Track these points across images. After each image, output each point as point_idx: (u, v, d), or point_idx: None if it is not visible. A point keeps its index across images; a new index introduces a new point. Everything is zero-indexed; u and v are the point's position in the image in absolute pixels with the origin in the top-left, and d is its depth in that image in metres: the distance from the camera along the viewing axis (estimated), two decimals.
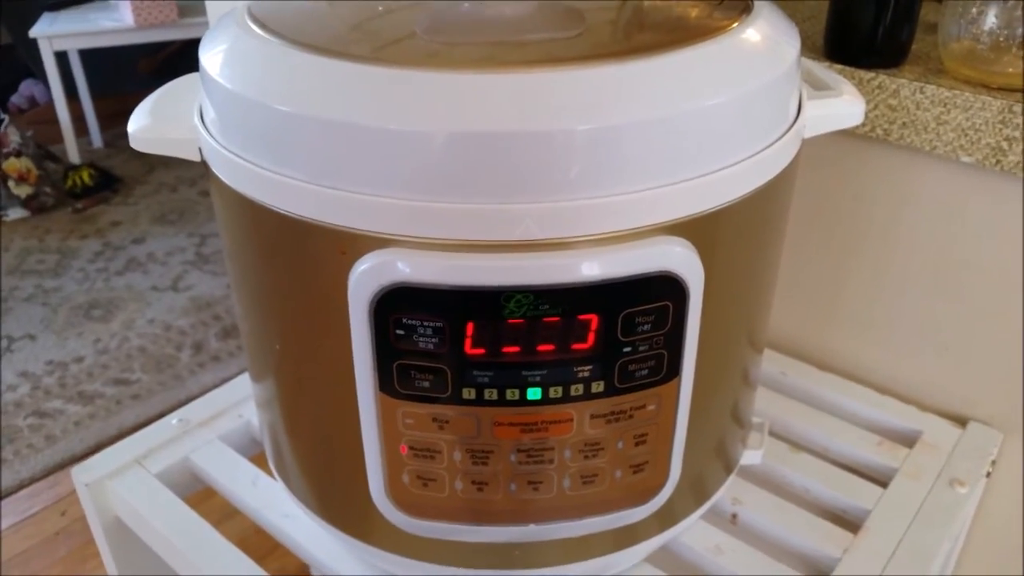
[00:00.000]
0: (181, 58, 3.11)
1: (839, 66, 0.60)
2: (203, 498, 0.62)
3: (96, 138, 2.94)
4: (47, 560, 1.41)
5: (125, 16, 2.54)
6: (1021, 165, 0.54)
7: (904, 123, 0.58)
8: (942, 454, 0.62)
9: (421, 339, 0.37)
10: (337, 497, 0.48)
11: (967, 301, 0.63)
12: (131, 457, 0.62)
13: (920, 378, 0.68)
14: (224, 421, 0.66)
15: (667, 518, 0.48)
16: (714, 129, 0.37)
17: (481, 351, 0.38)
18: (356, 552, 0.53)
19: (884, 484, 0.59)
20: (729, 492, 0.58)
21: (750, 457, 0.55)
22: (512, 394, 0.39)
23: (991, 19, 0.55)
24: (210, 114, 0.42)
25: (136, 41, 2.62)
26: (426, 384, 0.39)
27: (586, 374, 0.39)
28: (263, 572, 0.53)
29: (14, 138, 2.45)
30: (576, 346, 0.38)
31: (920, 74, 0.58)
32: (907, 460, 0.61)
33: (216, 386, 0.69)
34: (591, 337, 0.38)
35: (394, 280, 0.36)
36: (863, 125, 0.60)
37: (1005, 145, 0.54)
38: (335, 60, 0.37)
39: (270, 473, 0.56)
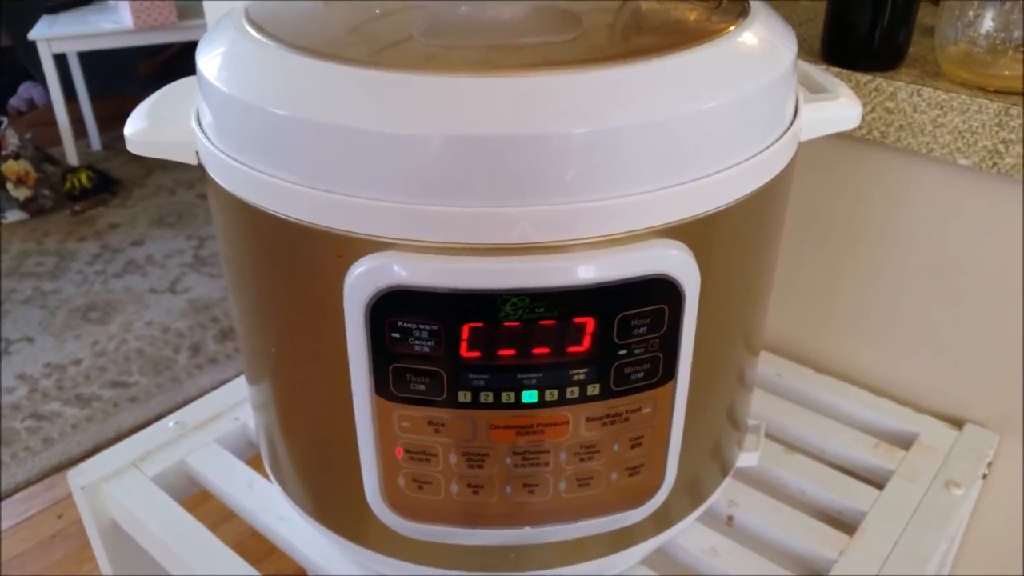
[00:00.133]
0: (181, 61, 3.11)
1: (836, 69, 0.60)
2: (199, 501, 0.62)
3: (95, 141, 2.94)
4: (44, 563, 1.40)
5: (124, 18, 2.54)
6: (1017, 167, 0.54)
7: (901, 126, 0.58)
8: (938, 456, 0.62)
9: (417, 342, 0.37)
10: (333, 500, 0.48)
11: (963, 303, 0.63)
12: (127, 460, 0.62)
13: (916, 380, 0.68)
14: (220, 424, 0.65)
15: (663, 520, 0.48)
16: (710, 132, 0.37)
17: (477, 354, 0.38)
18: (352, 555, 0.53)
19: (880, 486, 0.59)
20: (725, 494, 0.58)
21: (746, 459, 0.55)
22: (508, 397, 0.39)
23: (988, 22, 0.55)
24: (207, 117, 0.42)
25: (135, 44, 2.61)
26: (422, 387, 0.39)
27: (582, 377, 0.39)
28: (259, 575, 0.53)
29: (12, 140, 2.45)
30: (572, 349, 0.38)
31: (917, 77, 0.58)
32: (903, 462, 0.61)
33: (214, 389, 0.69)
34: (587, 340, 0.38)
35: (390, 283, 0.36)
36: (860, 128, 0.60)
37: (1002, 147, 0.55)
38: (332, 63, 0.37)
39: (266, 476, 0.56)
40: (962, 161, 0.57)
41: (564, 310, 0.37)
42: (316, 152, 0.36)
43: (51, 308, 2.07)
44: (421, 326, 0.37)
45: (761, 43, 0.41)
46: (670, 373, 0.40)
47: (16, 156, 2.45)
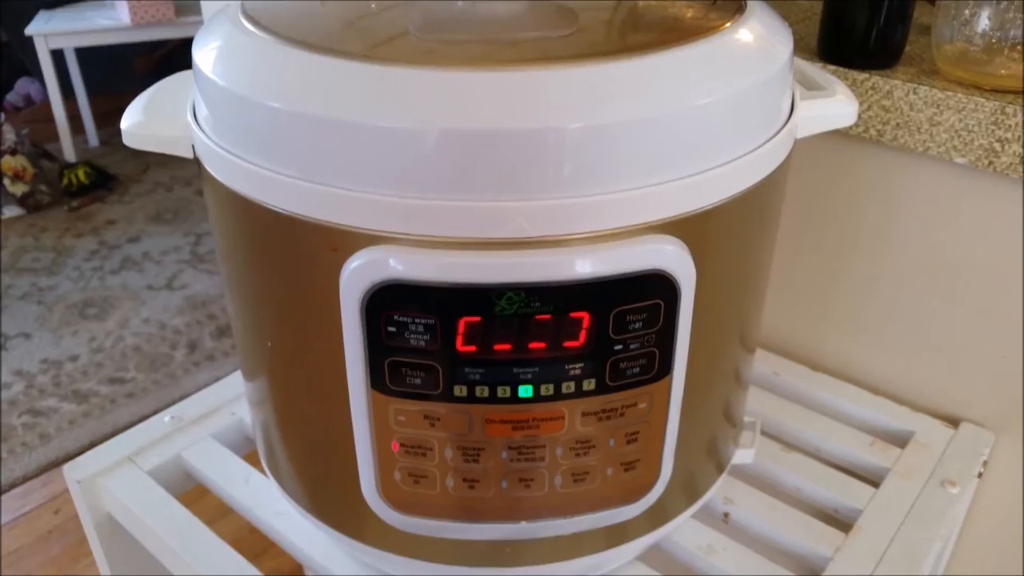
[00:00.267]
0: (178, 57, 3.11)
1: (833, 67, 0.60)
2: (197, 496, 0.62)
3: (92, 137, 2.94)
4: (40, 558, 1.40)
5: (122, 14, 2.54)
6: (1014, 166, 0.54)
7: (897, 124, 0.58)
8: (934, 454, 0.62)
9: (412, 336, 0.37)
10: (329, 494, 0.48)
11: (960, 302, 0.63)
12: (123, 454, 0.62)
13: (912, 378, 0.68)
14: (217, 419, 0.65)
15: (658, 516, 0.48)
16: (706, 128, 0.37)
17: (472, 348, 0.38)
18: (348, 550, 0.53)
19: (876, 484, 0.59)
20: (721, 491, 0.58)
21: (742, 456, 0.55)
22: (503, 391, 0.39)
23: (984, 21, 0.55)
24: (203, 111, 0.42)
25: (133, 40, 2.62)
26: (417, 381, 0.39)
27: (577, 372, 0.39)
28: (256, 571, 0.53)
29: (10, 136, 2.45)
30: (567, 344, 0.38)
31: (913, 75, 0.58)
32: (899, 460, 0.61)
33: (210, 385, 0.69)
34: (583, 335, 0.38)
35: (386, 277, 0.36)
36: (856, 126, 0.60)
37: (998, 146, 0.55)
38: (328, 57, 0.37)
39: (263, 471, 0.56)
40: (958, 159, 0.57)
41: (560, 305, 0.37)
42: (312, 145, 0.36)
43: (48, 304, 2.06)
44: (417, 320, 0.37)
45: (757, 40, 0.41)
46: (666, 369, 0.40)
47: (13, 152, 2.45)
